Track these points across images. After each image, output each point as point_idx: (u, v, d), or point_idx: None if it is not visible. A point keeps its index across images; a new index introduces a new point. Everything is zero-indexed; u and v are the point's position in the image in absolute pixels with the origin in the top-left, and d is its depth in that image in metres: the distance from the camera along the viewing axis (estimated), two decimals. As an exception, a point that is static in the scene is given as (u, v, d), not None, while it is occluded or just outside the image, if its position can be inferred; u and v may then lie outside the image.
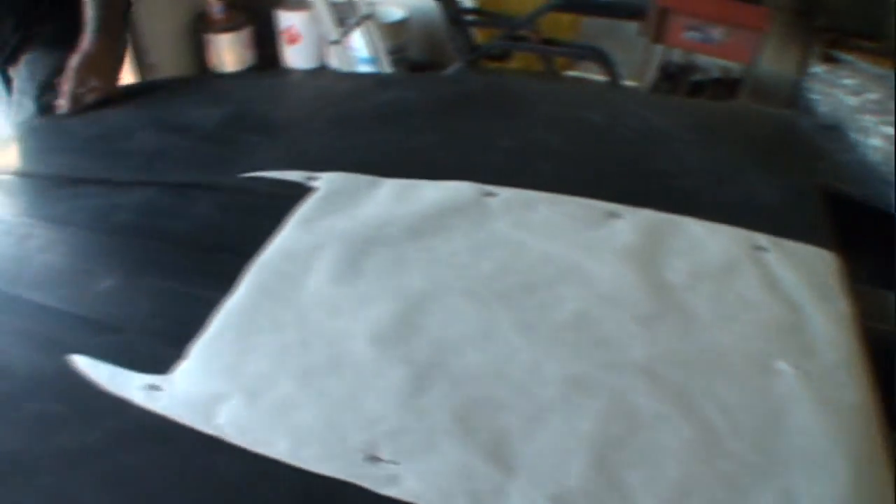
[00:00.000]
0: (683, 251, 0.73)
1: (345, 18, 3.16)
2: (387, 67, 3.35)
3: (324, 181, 0.86)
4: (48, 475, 0.56)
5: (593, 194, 0.82)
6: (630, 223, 0.78)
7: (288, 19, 3.81)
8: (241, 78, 0.99)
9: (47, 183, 0.93)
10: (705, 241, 0.74)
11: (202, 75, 3.77)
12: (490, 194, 0.82)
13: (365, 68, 3.27)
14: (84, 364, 0.65)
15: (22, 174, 0.98)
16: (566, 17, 3.58)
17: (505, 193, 0.83)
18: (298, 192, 0.85)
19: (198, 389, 0.60)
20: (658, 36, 2.84)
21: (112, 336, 0.68)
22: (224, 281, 0.71)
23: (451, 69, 3.39)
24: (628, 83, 3.53)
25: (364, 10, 3.26)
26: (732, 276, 0.70)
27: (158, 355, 0.65)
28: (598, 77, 3.77)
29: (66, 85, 1.09)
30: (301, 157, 0.94)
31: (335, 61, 3.40)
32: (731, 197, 0.83)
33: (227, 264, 0.74)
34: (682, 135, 0.97)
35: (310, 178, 0.87)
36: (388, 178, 0.87)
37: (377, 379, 0.60)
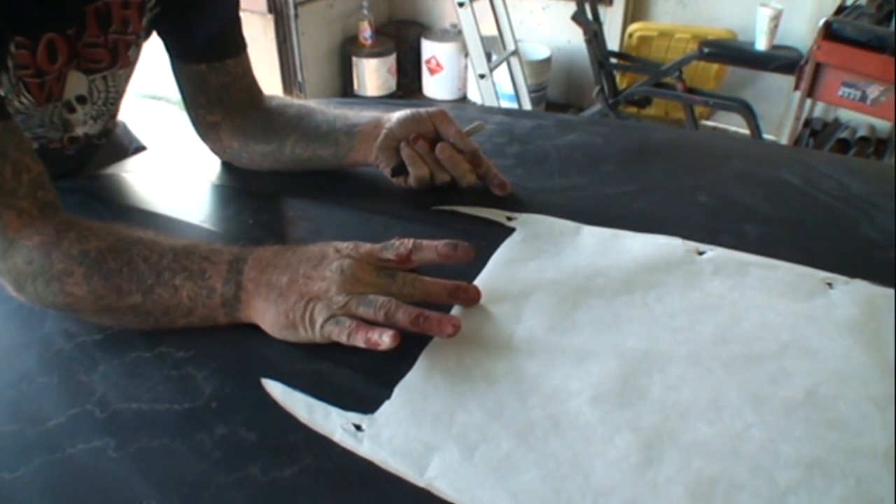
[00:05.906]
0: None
1: (491, 54, 3.18)
2: (527, 104, 3.35)
3: (521, 222, 0.84)
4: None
5: (803, 261, 0.77)
6: (846, 294, 0.72)
7: (432, 49, 3.88)
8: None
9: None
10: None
11: (349, 97, 3.87)
12: (699, 252, 0.78)
13: (505, 104, 3.28)
14: (279, 392, 0.62)
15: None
16: (713, 67, 3.53)
17: (714, 252, 0.78)
18: (494, 231, 0.83)
19: (405, 436, 0.57)
20: (812, 91, 2.75)
21: (310, 364, 0.65)
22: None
23: (591, 111, 3.38)
24: (770, 137, 3.44)
25: (510, 47, 3.27)
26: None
27: (358, 391, 0.62)
28: (737, 129, 3.70)
29: None
30: (490, 195, 0.92)
31: (477, 94, 3.42)
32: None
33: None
34: (882, 203, 0.91)
35: (508, 217, 0.85)
36: (585, 224, 0.83)
37: (603, 445, 0.55)
